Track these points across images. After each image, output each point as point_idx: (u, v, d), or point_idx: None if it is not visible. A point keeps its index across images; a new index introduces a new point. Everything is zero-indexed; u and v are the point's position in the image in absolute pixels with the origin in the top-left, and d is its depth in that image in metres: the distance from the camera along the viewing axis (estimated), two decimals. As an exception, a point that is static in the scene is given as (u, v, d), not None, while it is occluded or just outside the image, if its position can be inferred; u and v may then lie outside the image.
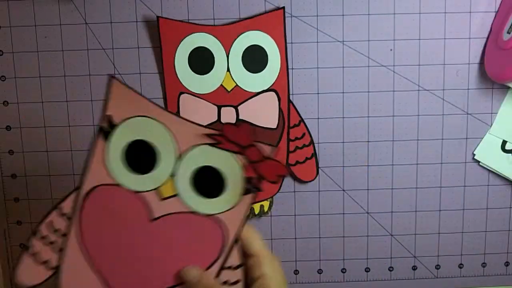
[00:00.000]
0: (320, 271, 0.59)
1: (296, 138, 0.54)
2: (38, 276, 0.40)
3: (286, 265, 0.59)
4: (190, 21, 0.53)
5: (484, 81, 0.54)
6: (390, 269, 0.59)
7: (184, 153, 0.40)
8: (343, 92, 0.55)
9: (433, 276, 0.59)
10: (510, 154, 0.55)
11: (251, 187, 0.40)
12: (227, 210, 0.40)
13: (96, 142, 0.39)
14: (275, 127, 0.54)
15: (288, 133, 0.54)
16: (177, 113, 0.47)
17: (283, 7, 0.52)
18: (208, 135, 0.39)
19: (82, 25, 0.54)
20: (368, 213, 0.57)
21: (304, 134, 0.54)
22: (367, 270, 0.59)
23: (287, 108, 0.54)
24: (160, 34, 0.52)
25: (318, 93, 0.55)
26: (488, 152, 0.55)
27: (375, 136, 0.56)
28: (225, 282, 0.41)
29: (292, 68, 0.54)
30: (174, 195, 0.40)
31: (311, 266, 0.59)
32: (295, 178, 0.56)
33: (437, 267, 0.58)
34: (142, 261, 0.40)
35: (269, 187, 0.55)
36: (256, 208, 0.56)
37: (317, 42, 0.54)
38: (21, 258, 0.39)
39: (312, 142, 0.55)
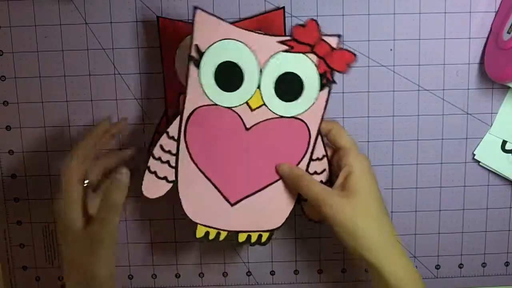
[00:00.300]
0: (320, 271, 0.59)
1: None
2: (161, 190, 0.49)
3: (286, 265, 0.59)
4: (190, 21, 0.53)
5: (484, 81, 0.54)
6: (390, 269, 0.59)
7: (264, 65, 0.46)
8: (343, 92, 0.55)
9: (433, 276, 0.59)
10: (510, 154, 0.55)
11: (326, 81, 0.46)
12: (308, 109, 0.47)
13: (189, 70, 0.46)
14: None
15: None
16: (253, 30, 0.45)
17: (283, 7, 0.51)
18: (281, 42, 0.45)
19: (82, 25, 0.54)
20: (368, 213, 0.57)
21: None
22: (367, 270, 0.59)
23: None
24: (160, 34, 0.52)
25: (318, 93, 0.55)
26: (488, 152, 0.55)
27: (375, 136, 0.56)
28: (314, 173, 0.49)
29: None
30: (262, 105, 0.47)
31: (311, 266, 0.59)
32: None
33: (437, 267, 0.58)
34: (242, 165, 0.48)
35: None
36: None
37: (317, 42, 0.54)
38: (144, 176, 0.48)
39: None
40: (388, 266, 0.44)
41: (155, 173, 0.49)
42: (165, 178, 0.49)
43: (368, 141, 0.56)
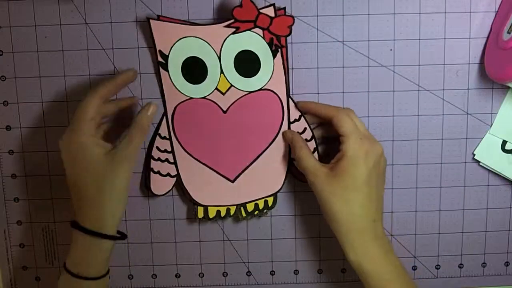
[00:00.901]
0: (320, 271, 0.59)
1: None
2: (168, 185, 0.55)
3: (286, 265, 0.59)
4: (190, 20, 0.53)
5: (484, 81, 0.54)
6: (390, 269, 0.59)
7: (220, 51, 0.51)
8: (343, 92, 0.55)
9: (433, 276, 0.59)
10: (510, 154, 0.55)
11: (275, 47, 0.52)
12: (270, 78, 0.53)
13: (160, 75, 0.53)
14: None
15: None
16: (202, 24, 0.52)
17: (284, 8, 0.51)
18: (227, 26, 0.51)
19: (82, 25, 0.54)
20: (368, 213, 0.57)
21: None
22: (367, 270, 0.59)
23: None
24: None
25: (318, 93, 0.55)
26: (488, 152, 0.55)
27: (375, 136, 0.55)
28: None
29: (292, 68, 0.54)
30: (230, 87, 0.53)
31: (311, 266, 0.59)
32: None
33: (437, 267, 0.58)
34: (230, 144, 0.54)
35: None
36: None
37: (317, 42, 0.54)
38: (149, 178, 0.54)
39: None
40: (351, 250, 0.48)
41: (158, 172, 0.54)
42: (168, 174, 0.54)
43: (368, 141, 0.55)
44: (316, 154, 0.54)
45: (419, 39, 0.54)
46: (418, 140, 0.56)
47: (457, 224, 0.57)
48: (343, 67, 0.54)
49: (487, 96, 0.55)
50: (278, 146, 0.54)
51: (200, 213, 0.55)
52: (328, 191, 0.48)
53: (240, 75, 0.52)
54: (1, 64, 0.54)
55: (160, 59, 0.52)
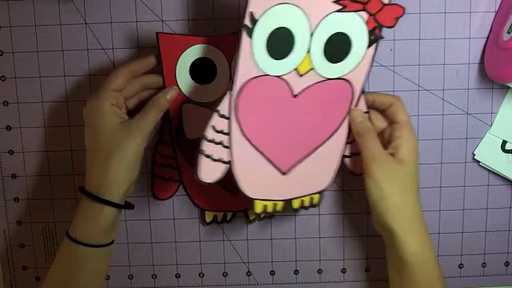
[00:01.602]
0: (320, 271, 0.59)
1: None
2: (218, 172, 0.48)
3: (286, 265, 0.59)
4: (190, 20, 0.53)
5: (484, 81, 0.54)
6: (390, 269, 0.59)
7: (315, 28, 0.45)
8: (343, 92, 0.55)
9: (433, 276, 0.59)
10: (510, 154, 0.55)
11: (374, 37, 0.46)
12: (354, 68, 0.47)
13: (241, 41, 0.43)
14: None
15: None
16: None
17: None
18: (335, 2, 0.44)
19: (82, 25, 0.54)
20: (368, 213, 0.57)
21: None
22: (367, 270, 0.59)
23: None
24: (160, 49, 0.50)
25: (318, 93, 0.55)
26: (488, 152, 0.55)
27: (375, 136, 0.55)
28: None
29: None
30: (310, 70, 0.46)
31: (311, 266, 0.59)
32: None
33: (437, 267, 0.59)
34: (290, 133, 0.48)
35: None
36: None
37: (317, 42, 0.54)
38: (199, 161, 0.46)
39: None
40: (410, 240, 0.47)
41: (210, 156, 0.47)
42: (220, 159, 0.48)
43: (368, 141, 0.55)
44: None
45: (419, 39, 0.54)
46: (418, 140, 0.56)
47: (457, 224, 0.57)
48: (343, 67, 0.54)
49: (487, 96, 0.55)
50: (336, 141, 0.50)
51: (258, 207, 0.50)
52: (390, 179, 0.47)
53: (326, 58, 0.46)
54: (1, 64, 0.54)
55: (247, 22, 0.43)
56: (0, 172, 0.57)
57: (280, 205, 0.51)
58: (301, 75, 0.46)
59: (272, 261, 0.59)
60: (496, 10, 0.53)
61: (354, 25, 0.46)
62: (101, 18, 0.53)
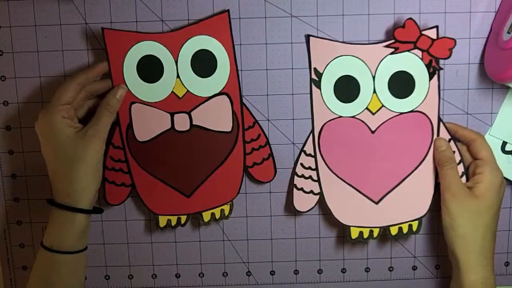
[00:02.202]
0: (320, 271, 0.59)
1: (252, 140, 0.54)
2: (310, 202, 0.55)
3: (286, 265, 0.59)
4: (190, 20, 0.53)
5: (484, 81, 0.54)
6: (390, 269, 0.59)
7: (375, 70, 0.52)
8: (343, 92, 0.55)
9: (433, 276, 0.59)
10: (510, 155, 0.55)
11: (433, 69, 0.51)
12: (424, 100, 0.52)
13: (312, 92, 0.53)
14: (229, 130, 0.53)
15: (243, 135, 0.54)
16: (356, 42, 0.53)
17: (228, 10, 0.51)
18: (387, 46, 0.51)
19: (82, 25, 0.54)
20: (368, 213, 0.57)
21: (259, 135, 0.54)
22: (367, 270, 0.59)
23: (240, 111, 0.53)
24: (106, 45, 0.51)
25: (318, 93, 0.55)
26: (488, 152, 0.55)
27: (375, 136, 0.56)
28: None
29: (292, 68, 0.54)
30: (381, 107, 0.52)
31: (311, 266, 0.59)
32: (253, 180, 0.55)
33: (437, 267, 0.58)
34: (375, 165, 0.53)
35: (229, 191, 0.55)
36: (217, 212, 0.55)
37: (317, 42, 0.54)
38: (291, 194, 0.55)
39: (268, 143, 0.54)
40: (472, 273, 0.49)
41: (301, 189, 0.55)
42: (311, 191, 0.55)
43: (368, 141, 0.56)
44: (464, 178, 0.53)
45: (419, 39, 0.54)
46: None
47: (457, 224, 0.57)
48: (343, 67, 0.54)
49: (487, 96, 0.55)
50: (425, 170, 0.53)
51: (354, 234, 0.54)
52: (461, 210, 0.50)
53: (393, 95, 0.52)
54: (1, 64, 0.54)
55: (314, 76, 0.53)
56: (0, 172, 0.57)
57: (376, 231, 0.55)
58: (373, 113, 0.53)
59: (272, 261, 0.59)
60: (496, 10, 0.53)
61: (411, 62, 0.51)
62: (101, 18, 0.53)
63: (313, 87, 0.53)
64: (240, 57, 0.54)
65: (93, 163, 0.49)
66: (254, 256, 0.58)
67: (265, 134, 0.54)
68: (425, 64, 0.51)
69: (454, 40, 0.50)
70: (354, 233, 0.55)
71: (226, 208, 0.55)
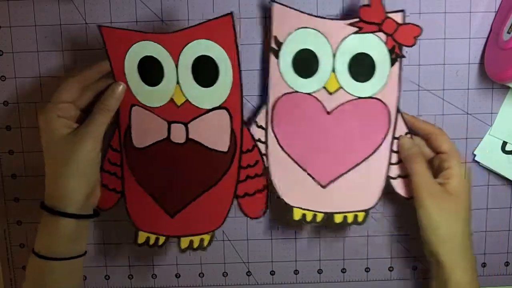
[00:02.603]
0: (320, 271, 0.59)
1: (249, 166, 0.50)
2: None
3: (286, 265, 0.59)
4: (190, 20, 0.53)
5: (484, 81, 0.54)
6: (390, 269, 0.59)
7: (336, 49, 0.48)
8: (343, 92, 0.55)
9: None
10: (511, 155, 0.55)
11: (395, 56, 0.49)
12: (383, 87, 0.49)
13: (270, 62, 0.49)
14: (226, 150, 0.49)
15: (239, 159, 0.50)
16: (324, 16, 0.49)
17: (231, 12, 0.46)
18: (351, 24, 0.48)
19: (82, 25, 0.54)
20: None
21: (257, 162, 0.50)
22: (367, 270, 0.59)
23: (239, 130, 0.49)
24: (106, 44, 0.48)
25: (318, 93, 0.55)
26: (488, 153, 0.55)
27: (375, 136, 0.55)
28: (397, 151, 0.51)
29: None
30: (339, 88, 0.49)
31: (311, 266, 0.59)
32: (241, 211, 0.52)
33: (437, 267, 0.58)
34: (328, 148, 0.50)
35: (213, 219, 0.52)
36: (196, 241, 0.52)
37: (317, 42, 0.54)
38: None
39: (265, 172, 0.51)
40: (458, 271, 0.48)
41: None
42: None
43: (368, 141, 0.55)
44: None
45: (419, 39, 0.54)
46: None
47: (457, 224, 0.57)
48: (343, 67, 0.54)
49: (487, 96, 0.55)
50: (378, 160, 0.51)
51: (297, 215, 0.51)
52: (438, 209, 0.48)
53: (352, 78, 0.49)
54: (1, 64, 0.54)
55: (273, 45, 0.49)
56: (0, 172, 0.57)
57: (320, 216, 0.51)
58: (331, 93, 0.49)
59: (272, 261, 0.59)
60: (496, 10, 0.53)
61: (374, 45, 0.48)
62: (101, 18, 0.53)
63: (272, 57, 0.49)
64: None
65: (82, 165, 0.46)
66: (254, 256, 0.59)
67: (263, 162, 0.51)
68: (388, 49, 0.48)
69: (420, 28, 0.48)
70: (297, 215, 0.51)
71: (206, 238, 0.52)
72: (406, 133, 0.51)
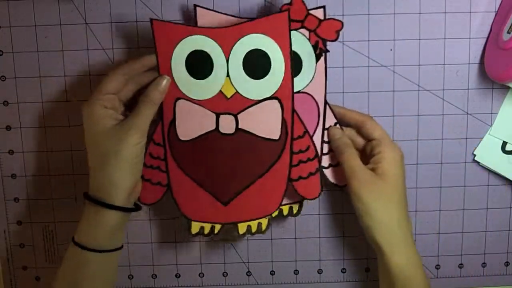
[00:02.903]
0: (320, 271, 0.59)
1: (300, 151, 0.51)
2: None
3: (287, 265, 0.59)
4: (189, 20, 0.53)
5: (484, 81, 0.54)
6: (390, 269, 0.59)
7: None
8: (343, 92, 0.55)
9: (433, 276, 0.59)
10: (511, 155, 0.55)
11: (319, 51, 0.50)
12: (311, 81, 0.50)
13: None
14: (277, 138, 0.50)
15: (291, 145, 0.50)
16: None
17: (288, 10, 0.48)
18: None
19: (82, 25, 0.54)
20: (368, 213, 0.57)
21: (308, 147, 0.51)
22: (367, 270, 0.59)
23: (290, 118, 0.50)
24: (155, 37, 0.48)
25: (318, 93, 0.55)
26: (488, 154, 0.55)
27: (375, 136, 0.55)
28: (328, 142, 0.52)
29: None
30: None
31: (311, 266, 0.59)
32: (298, 195, 0.52)
33: (437, 267, 0.58)
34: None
35: (269, 203, 0.51)
36: (254, 226, 0.52)
37: (317, 42, 0.54)
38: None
39: (317, 156, 0.51)
40: (396, 254, 0.48)
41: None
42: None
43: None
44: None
45: (419, 39, 0.54)
46: (418, 140, 0.56)
47: (457, 224, 0.57)
48: (343, 67, 0.54)
49: (487, 96, 0.55)
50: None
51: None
52: (372, 195, 0.48)
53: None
54: (1, 64, 0.54)
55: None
56: (0, 172, 0.57)
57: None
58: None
59: (272, 261, 0.59)
60: (496, 10, 0.53)
61: (298, 42, 0.49)
62: (101, 18, 0.53)
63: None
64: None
65: (128, 158, 0.46)
66: (254, 256, 0.59)
67: (315, 147, 0.51)
68: (312, 45, 0.50)
69: (341, 22, 0.49)
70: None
71: (264, 222, 0.52)
72: (335, 124, 0.52)
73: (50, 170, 0.56)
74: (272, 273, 0.59)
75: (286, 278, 0.59)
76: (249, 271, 0.59)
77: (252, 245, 0.58)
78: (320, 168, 0.52)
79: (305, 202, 0.56)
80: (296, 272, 0.59)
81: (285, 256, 0.58)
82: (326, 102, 0.52)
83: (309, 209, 0.57)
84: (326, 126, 0.52)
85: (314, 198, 0.52)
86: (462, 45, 0.54)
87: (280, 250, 0.58)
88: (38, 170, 0.56)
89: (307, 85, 0.51)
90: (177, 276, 0.59)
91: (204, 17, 0.50)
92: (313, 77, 0.51)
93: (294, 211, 0.53)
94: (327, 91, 0.52)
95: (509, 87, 0.54)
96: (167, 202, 0.57)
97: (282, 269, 0.59)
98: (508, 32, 0.49)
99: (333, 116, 0.52)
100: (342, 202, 0.57)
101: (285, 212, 0.53)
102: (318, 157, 0.51)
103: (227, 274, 0.59)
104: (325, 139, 0.52)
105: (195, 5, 0.49)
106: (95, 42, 0.54)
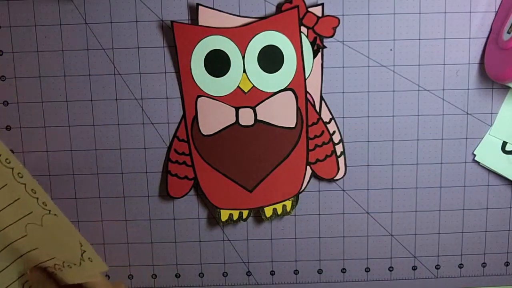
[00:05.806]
0: (320, 271, 0.59)
1: (315, 136, 0.54)
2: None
3: (286, 265, 0.59)
4: (191, 21, 0.53)
5: (484, 81, 0.54)
6: (390, 269, 0.59)
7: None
8: (343, 92, 0.55)
9: (433, 276, 0.59)
10: (510, 155, 0.55)
11: (317, 47, 0.52)
12: (308, 77, 0.53)
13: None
14: (293, 126, 0.54)
15: (307, 132, 0.54)
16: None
17: (297, 6, 0.51)
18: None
19: (82, 25, 0.54)
20: (368, 213, 0.57)
21: (323, 132, 0.54)
22: (367, 270, 0.59)
23: (304, 107, 0.54)
24: (175, 39, 0.52)
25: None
26: (488, 154, 0.55)
27: (375, 136, 0.56)
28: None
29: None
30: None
31: (311, 266, 0.59)
32: (317, 177, 0.55)
33: (437, 267, 0.58)
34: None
35: (291, 186, 0.55)
36: (279, 208, 0.56)
37: (317, 42, 0.54)
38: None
39: (331, 139, 0.55)
40: None
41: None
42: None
43: (368, 141, 0.56)
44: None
45: (419, 39, 0.54)
46: (418, 140, 0.56)
47: (457, 224, 0.57)
48: (343, 67, 0.54)
49: (487, 96, 0.55)
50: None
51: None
52: None
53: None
54: (1, 64, 0.54)
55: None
56: (0, 172, 0.57)
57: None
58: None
59: (272, 261, 0.59)
60: (496, 10, 0.53)
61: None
62: (101, 18, 0.53)
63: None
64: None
65: None
66: (254, 256, 0.59)
67: (328, 131, 0.54)
68: (309, 41, 0.52)
69: (338, 19, 0.51)
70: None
71: (288, 203, 0.55)
72: (330, 119, 0.54)
73: (50, 170, 0.56)
74: (272, 273, 0.59)
75: (286, 278, 0.59)
76: (249, 271, 0.59)
77: (252, 245, 0.58)
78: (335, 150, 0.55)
79: (305, 202, 0.57)
80: (296, 272, 0.59)
81: (285, 256, 0.58)
82: (322, 98, 0.54)
83: (309, 209, 0.57)
84: (326, 121, 0.54)
85: (332, 178, 0.55)
86: (462, 45, 0.54)
87: (280, 250, 0.58)
88: (38, 170, 0.56)
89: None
90: (177, 276, 0.59)
91: (206, 16, 0.52)
92: (310, 73, 0.53)
93: (288, 209, 0.56)
94: (327, 91, 0.54)
95: (509, 87, 0.54)
96: (167, 203, 0.58)
97: (282, 269, 0.59)
98: (508, 32, 0.49)
99: (328, 112, 0.54)
100: (342, 202, 0.57)
101: (279, 211, 0.56)
102: (332, 141, 0.55)
103: (227, 274, 0.59)
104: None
105: (198, 4, 0.51)
106: (95, 42, 0.54)
